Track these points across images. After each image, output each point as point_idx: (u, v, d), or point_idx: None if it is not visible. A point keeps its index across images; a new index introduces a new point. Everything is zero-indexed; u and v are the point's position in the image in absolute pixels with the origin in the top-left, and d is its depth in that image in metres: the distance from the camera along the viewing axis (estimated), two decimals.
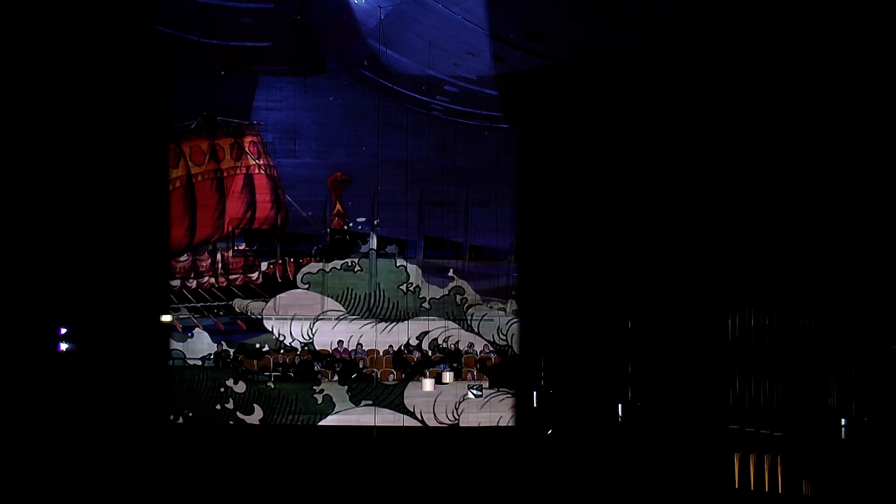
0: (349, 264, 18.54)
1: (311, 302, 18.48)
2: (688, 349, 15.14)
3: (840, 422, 12.95)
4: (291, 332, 18.38)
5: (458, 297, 18.71)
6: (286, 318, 18.39)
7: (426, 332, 18.51)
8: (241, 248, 18.49)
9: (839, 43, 12.97)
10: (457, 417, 18.21)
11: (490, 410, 18.24)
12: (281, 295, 18.39)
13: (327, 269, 18.45)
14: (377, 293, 18.50)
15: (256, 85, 18.50)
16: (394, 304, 18.57)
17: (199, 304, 18.30)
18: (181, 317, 18.29)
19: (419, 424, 18.18)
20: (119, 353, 16.49)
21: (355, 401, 18.18)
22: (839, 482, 13.03)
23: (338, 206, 18.71)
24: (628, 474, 15.56)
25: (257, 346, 18.28)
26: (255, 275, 18.53)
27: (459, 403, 18.15)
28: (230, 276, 18.44)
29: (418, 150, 18.20)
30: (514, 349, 18.58)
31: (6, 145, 15.51)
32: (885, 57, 12.53)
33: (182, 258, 18.36)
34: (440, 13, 14.84)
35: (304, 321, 18.42)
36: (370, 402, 18.18)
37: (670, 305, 15.45)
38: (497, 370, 18.40)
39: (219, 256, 18.44)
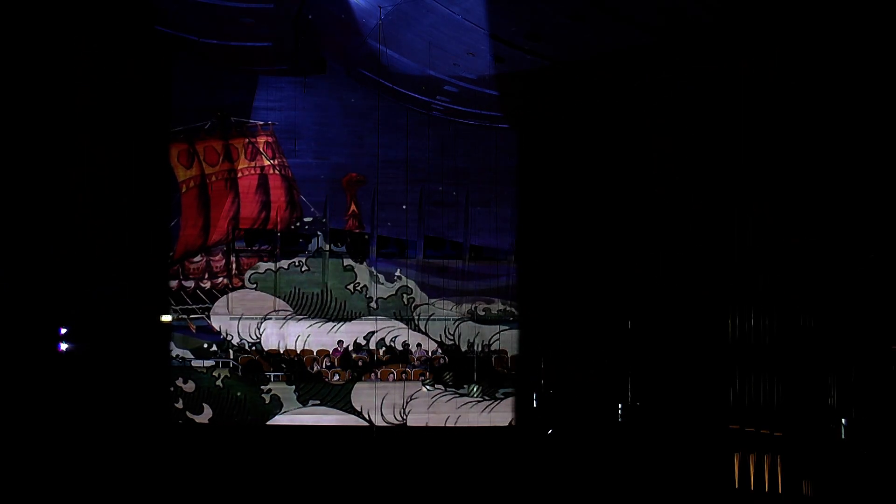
0: (296, 264, 18.47)
1: (264, 302, 18.40)
2: (688, 349, 15.14)
3: (840, 422, 12.94)
4: (239, 332, 18.29)
5: (406, 296, 18.66)
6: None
7: (373, 332, 18.49)
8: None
9: (839, 43, 12.96)
10: (404, 417, 18.18)
11: (437, 411, 18.18)
12: (232, 294, 18.32)
13: (284, 268, 18.37)
14: (325, 292, 18.43)
15: (256, 85, 18.49)
16: (341, 303, 18.50)
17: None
18: (192, 317, 18.26)
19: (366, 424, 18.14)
20: (119, 353, 16.50)
21: (302, 400, 18.15)
22: (839, 482, 13.03)
23: (353, 207, 18.69)
24: (628, 474, 15.56)
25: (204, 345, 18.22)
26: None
27: (407, 403, 18.14)
28: (245, 277, 18.42)
29: (418, 150, 18.19)
30: (461, 349, 18.52)
31: (6, 145, 15.52)
32: (885, 57, 12.53)
33: (196, 259, 18.34)
34: (440, 13, 14.85)
35: (252, 321, 18.33)
36: (318, 402, 18.14)
37: (670, 306, 15.45)
38: (444, 370, 18.36)
39: (233, 257, 18.43)
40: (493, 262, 18.79)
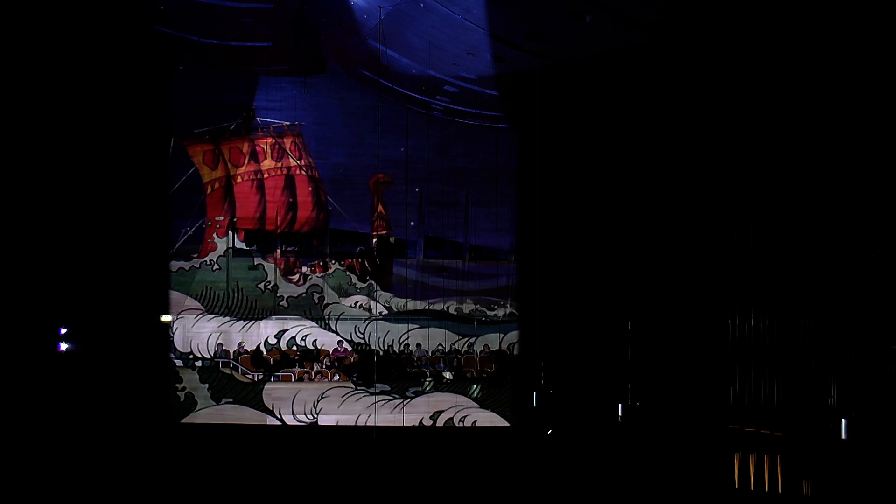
0: (207, 262, 18.35)
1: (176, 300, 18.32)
2: (688, 349, 15.13)
3: (840, 422, 12.92)
4: None
5: (316, 295, 18.58)
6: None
7: (284, 331, 18.46)
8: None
9: (839, 42, 12.96)
10: (315, 416, 18.09)
11: (348, 411, 18.07)
12: None
13: (187, 269, 18.24)
14: (235, 292, 18.33)
15: (256, 85, 18.49)
16: (252, 302, 18.44)
17: None
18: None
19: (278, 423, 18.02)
20: (119, 353, 16.50)
21: (216, 398, 18.05)
22: (839, 482, 13.02)
23: (380, 209, 18.65)
24: (628, 474, 15.56)
25: None
26: (295, 277, 18.49)
27: (318, 402, 18.00)
28: None
29: (418, 150, 18.20)
30: (372, 347, 18.47)
31: (6, 145, 15.53)
32: (885, 57, 12.53)
33: None
34: (440, 13, 14.86)
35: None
36: (230, 400, 18.03)
37: (670, 305, 15.45)
38: (356, 369, 18.29)
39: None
40: (493, 262, 18.79)
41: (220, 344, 18.16)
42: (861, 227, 13.00)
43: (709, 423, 14.77)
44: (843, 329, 13.15)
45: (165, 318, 17.91)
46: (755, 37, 13.94)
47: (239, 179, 18.40)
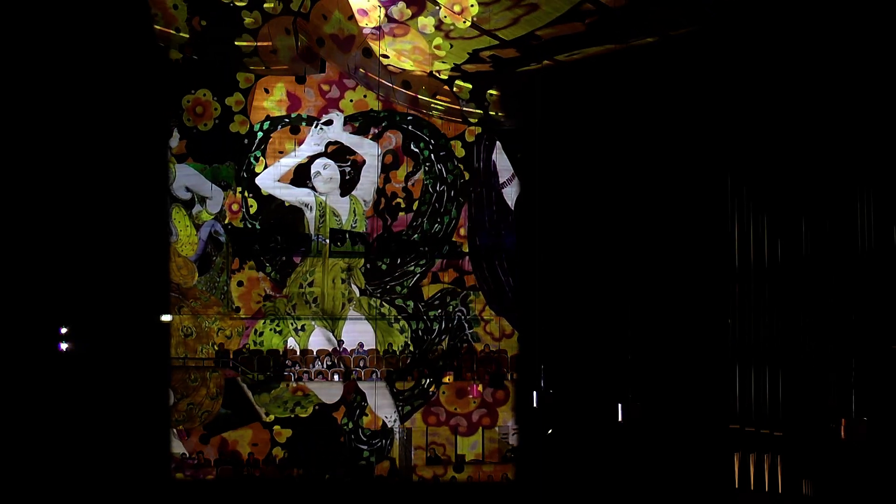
0: None
1: None
2: (688, 349, 15.13)
3: (840, 422, 12.92)
4: None
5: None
6: None
7: None
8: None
9: (841, 42, 12.97)
10: None
11: None
12: None
13: None
14: None
15: (256, 85, 18.45)
16: None
17: None
18: None
19: None
20: (119, 353, 16.50)
21: None
22: (839, 482, 13.02)
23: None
24: (628, 474, 15.55)
25: None
26: None
27: None
28: None
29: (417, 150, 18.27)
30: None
31: (6, 145, 15.55)
32: (886, 56, 12.53)
33: None
34: (439, 13, 14.88)
35: None
36: None
37: (670, 305, 15.45)
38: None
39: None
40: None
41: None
42: (860, 227, 13.00)
43: (709, 423, 14.77)
44: (843, 329, 13.14)
45: (165, 318, 17.89)
46: (757, 37, 13.94)
47: None
